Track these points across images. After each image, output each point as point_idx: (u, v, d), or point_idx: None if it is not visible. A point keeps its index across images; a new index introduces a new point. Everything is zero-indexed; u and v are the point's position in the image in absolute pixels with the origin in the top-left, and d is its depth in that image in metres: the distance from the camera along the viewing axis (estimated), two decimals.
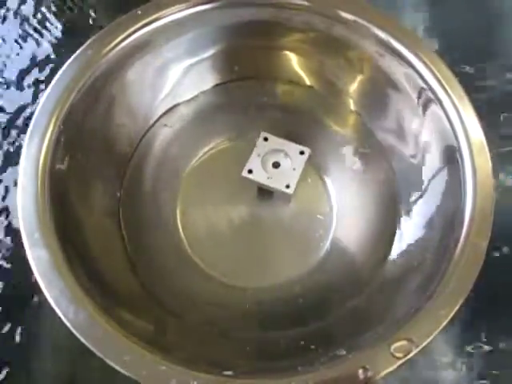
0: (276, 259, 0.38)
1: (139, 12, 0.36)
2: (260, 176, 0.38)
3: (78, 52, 0.35)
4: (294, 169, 0.38)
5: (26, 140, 0.32)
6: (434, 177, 0.35)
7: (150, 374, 0.28)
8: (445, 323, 0.29)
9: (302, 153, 0.38)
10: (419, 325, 0.29)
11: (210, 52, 0.39)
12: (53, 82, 0.34)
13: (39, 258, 0.29)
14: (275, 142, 0.39)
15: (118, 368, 0.28)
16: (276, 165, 0.38)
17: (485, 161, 0.32)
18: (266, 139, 0.39)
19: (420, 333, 0.28)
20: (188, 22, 0.37)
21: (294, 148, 0.38)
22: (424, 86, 0.35)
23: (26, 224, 0.30)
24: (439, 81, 0.34)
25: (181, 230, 0.38)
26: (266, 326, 0.35)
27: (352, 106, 0.41)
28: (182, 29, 0.37)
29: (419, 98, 0.36)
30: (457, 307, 0.29)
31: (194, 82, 0.40)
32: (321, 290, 0.36)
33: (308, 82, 0.41)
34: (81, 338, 0.28)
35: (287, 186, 0.37)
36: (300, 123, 0.41)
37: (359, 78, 0.39)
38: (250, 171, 0.38)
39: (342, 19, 0.36)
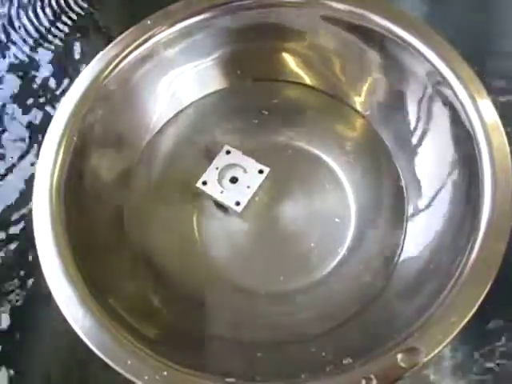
0: (292, 263, 0.37)
1: (149, 22, 0.37)
2: (213, 189, 0.37)
3: (91, 63, 0.36)
4: (248, 186, 0.36)
5: (41, 151, 0.34)
6: (447, 176, 0.33)
7: (151, 379, 0.28)
8: (455, 333, 0.27)
9: (260, 171, 0.37)
10: (428, 334, 0.27)
11: (214, 56, 0.39)
12: (67, 94, 0.35)
13: (51, 263, 0.31)
14: (236, 156, 0.37)
15: (120, 371, 0.28)
16: (234, 180, 0.37)
17: (504, 159, 0.30)
18: (228, 152, 0.38)
19: (429, 342, 0.27)
20: (194, 29, 0.37)
21: (252, 165, 0.37)
22: (439, 77, 0.33)
23: (40, 232, 0.32)
24: (455, 72, 0.32)
25: (196, 233, 0.38)
26: (278, 332, 0.34)
27: (358, 107, 0.39)
28: (187, 35, 0.37)
29: (431, 89, 0.34)
30: (469, 315, 0.27)
31: (198, 87, 0.40)
32: (336, 296, 0.35)
33: (313, 83, 0.40)
34: (86, 340, 0.29)
35: (237, 203, 0.36)
36: (306, 126, 0.40)
37: (365, 77, 0.38)
38: (204, 183, 0.37)
39: (340, 11, 0.35)
